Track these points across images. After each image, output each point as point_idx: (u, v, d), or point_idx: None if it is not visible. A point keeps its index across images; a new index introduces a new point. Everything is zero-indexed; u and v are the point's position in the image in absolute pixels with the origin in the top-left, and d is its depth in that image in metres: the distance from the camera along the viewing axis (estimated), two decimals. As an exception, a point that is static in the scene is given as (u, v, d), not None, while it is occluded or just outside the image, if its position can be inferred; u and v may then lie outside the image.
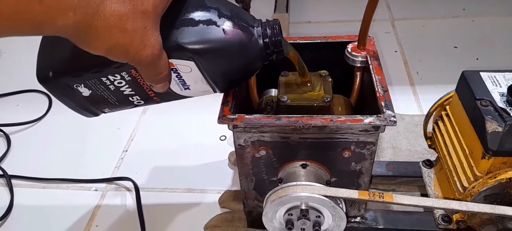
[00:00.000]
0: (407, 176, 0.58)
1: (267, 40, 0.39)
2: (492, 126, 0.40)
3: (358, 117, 0.40)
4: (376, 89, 0.44)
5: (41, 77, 0.38)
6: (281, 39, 0.39)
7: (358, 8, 1.04)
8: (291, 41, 0.53)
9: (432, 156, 0.61)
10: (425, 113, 0.73)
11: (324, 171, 0.46)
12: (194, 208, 0.61)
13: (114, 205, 0.63)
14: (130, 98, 0.41)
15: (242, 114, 0.42)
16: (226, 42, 0.37)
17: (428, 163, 0.57)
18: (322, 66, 0.52)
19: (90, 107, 0.42)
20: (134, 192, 0.63)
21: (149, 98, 0.42)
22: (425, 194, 0.56)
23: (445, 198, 0.51)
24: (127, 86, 0.39)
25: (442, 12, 1.01)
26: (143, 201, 0.62)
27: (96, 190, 0.65)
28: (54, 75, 0.38)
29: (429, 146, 0.57)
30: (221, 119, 0.42)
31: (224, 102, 0.44)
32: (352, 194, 0.41)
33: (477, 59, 0.84)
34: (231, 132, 0.43)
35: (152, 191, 0.64)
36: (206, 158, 0.68)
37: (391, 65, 0.85)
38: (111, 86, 0.39)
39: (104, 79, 0.38)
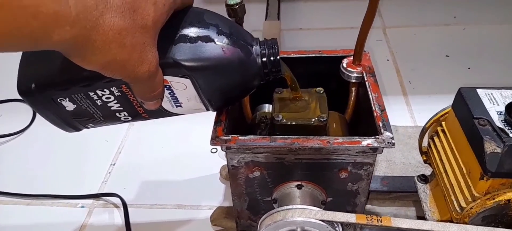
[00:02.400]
0: (402, 191, 0.58)
1: (266, 59, 0.38)
2: (491, 147, 0.40)
3: (356, 138, 0.39)
4: (373, 108, 0.43)
5: (23, 89, 0.36)
6: (280, 60, 0.38)
7: (349, 15, 1.04)
8: (285, 55, 0.52)
9: (427, 170, 0.61)
10: (419, 124, 0.73)
11: (320, 191, 0.45)
12: (185, 225, 0.59)
13: (102, 223, 0.60)
14: (117, 114, 0.39)
15: (236, 135, 0.40)
16: (225, 61, 0.35)
17: (423, 178, 0.56)
18: (316, 80, 0.51)
19: (73, 122, 0.40)
20: (122, 209, 0.61)
21: (138, 115, 0.40)
22: (420, 210, 0.55)
23: (441, 216, 0.51)
24: (115, 102, 0.38)
25: (433, 19, 1.01)
26: (132, 218, 0.60)
27: (82, 207, 0.63)
28: (37, 88, 0.36)
29: (425, 161, 0.56)
30: (214, 140, 0.40)
31: (217, 122, 0.42)
32: (350, 218, 0.39)
33: (468, 68, 0.84)
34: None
35: (141, 208, 0.62)
36: (197, 172, 0.67)
37: (383, 75, 0.84)
38: (98, 102, 0.37)
39: (91, 93, 0.36)
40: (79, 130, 0.42)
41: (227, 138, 0.40)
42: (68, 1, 0.25)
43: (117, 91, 0.36)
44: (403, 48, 0.92)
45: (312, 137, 0.39)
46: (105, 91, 0.36)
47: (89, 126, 0.42)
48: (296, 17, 1.06)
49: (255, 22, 0.98)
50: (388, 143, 0.38)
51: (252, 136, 0.40)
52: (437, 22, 1.00)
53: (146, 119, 0.41)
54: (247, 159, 0.42)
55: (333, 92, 0.50)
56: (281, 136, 0.40)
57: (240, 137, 0.40)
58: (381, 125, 0.40)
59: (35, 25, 0.24)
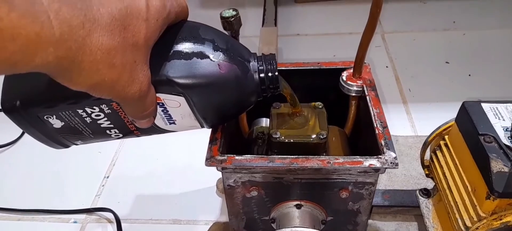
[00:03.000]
0: (403, 206, 0.56)
1: (263, 75, 0.36)
2: (497, 166, 0.38)
3: (357, 158, 0.37)
4: (375, 126, 0.41)
5: (7, 107, 0.34)
6: (278, 75, 0.37)
7: (347, 20, 1.02)
8: (282, 68, 0.50)
9: (428, 182, 0.59)
10: (419, 134, 0.72)
11: (320, 210, 0.43)
12: (180, 242, 0.57)
13: (95, 239, 0.59)
14: (108, 131, 0.38)
15: (232, 155, 0.38)
16: (221, 78, 0.34)
17: (425, 192, 0.54)
18: (315, 93, 0.50)
19: (61, 139, 0.38)
20: (116, 225, 0.59)
21: (130, 132, 0.38)
22: (423, 225, 0.54)
23: (445, 233, 0.49)
24: (105, 119, 0.36)
25: (433, 24, 1.00)
26: (125, 234, 0.58)
27: (75, 222, 0.61)
28: (22, 105, 0.34)
29: (427, 175, 0.55)
30: (209, 160, 0.38)
31: (212, 140, 0.40)
32: (351, 241, 0.38)
33: (469, 75, 0.82)
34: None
35: (136, 223, 0.60)
36: (193, 184, 0.65)
37: (383, 82, 0.83)
38: (88, 119, 0.36)
39: (80, 111, 0.35)
40: (67, 146, 0.41)
41: (223, 158, 0.38)
42: (51, 20, 0.23)
43: (107, 109, 0.35)
44: (402, 54, 0.91)
45: (311, 156, 0.38)
46: (94, 109, 0.35)
47: (78, 143, 0.40)
48: (293, 22, 1.04)
49: (252, 28, 0.97)
50: (391, 163, 0.37)
51: (249, 155, 0.38)
52: (436, 27, 0.99)
53: (138, 136, 0.40)
54: (244, 178, 0.40)
55: (332, 104, 0.48)
56: (279, 156, 0.38)
57: (236, 157, 0.38)
58: (383, 143, 0.39)
59: (13, 49, 0.22)
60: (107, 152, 0.72)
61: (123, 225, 0.59)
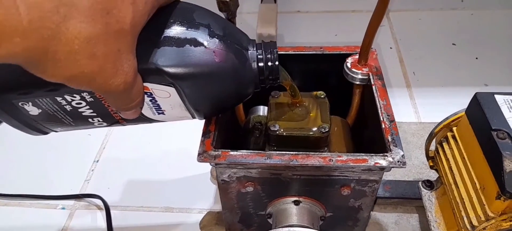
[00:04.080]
0: (405, 198, 0.54)
1: (262, 65, 0.33)
2: (511, 165, 0.35)
3: (362, 156, 0.34)
4: (381, 119, 0.38)
5: None
6: (279, 66, 0.34)
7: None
8: (282, 52, 0.46)
9: (431, 173, 0.57)
10: (423, 120, 0.69)
11: (319, 206, 0.41)
12: (173, 230, 0.55)
13: (84, 227, 0.56)
14: (90, 119, 0.35)
15: (226, 151, 0.36)
16: (216, 68, 0.30)
17: (429, 184, 0.52)
18: (316, 79, 0.46)
19: (38, 126, 0.35)
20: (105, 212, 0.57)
21: (114, 121, 0.35)
22: (424, 217, 0.52)
23: (448, 228, 0.47)
24: (87, 107, 0.33)
25: (440, 3, 0.95)
26: (116, 222, 0.56)
27: (63, 208, 0.59)
28: None
29: (431, 167, 0.52)
30: (202, 155, 0.36)
31: (205, 133, 0.37)
32: (352, 243, 0.36)
33: (476, 58, 0.79)
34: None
35: (127, 210, 0.58)
36: (186, 171, 0.62)
37: (386, 64, 0.79)
38: (68, 107, 0.32)
39: (59, 99, 0.31)
40: (45, 133, 0.37)
41: (217, 153, 0.35)
42: (18, 6, 0.20)
43: (89, 97, 0.31)
44: (407, 35, 0.87)
45: (312, 153, 0.35)
46: (75, 97, 0.31)
47: (58, 130, 0.37)
48: (294, -2, 0.99)
49: (251, 5, 0.92)
50: (398, 162, 0.34)
51: (244, 151, 0.35)
52: (443, 7, 0.94)
53: (123, 125, 0.36)
54: (239, 173, 0.38)
55: (334, 91, 0.45)
56: (277, 152, 0.35)
57: (231, 152, 0.35)
58: (390, 139, 0.36)
59: None
60: (97, 134, 0.69)
61: (113, 212, 0.57)
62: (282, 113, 0.40)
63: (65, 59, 0.23)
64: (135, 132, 0.69)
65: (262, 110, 0.48)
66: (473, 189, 0.41)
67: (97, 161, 0.65)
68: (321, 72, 0.47)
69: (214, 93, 0.33)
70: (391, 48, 0.83)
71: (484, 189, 0.39)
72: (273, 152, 0.35)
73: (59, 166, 0.65)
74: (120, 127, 0.38)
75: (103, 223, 0.56)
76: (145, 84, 0.30)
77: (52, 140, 0.68)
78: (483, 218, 0.39)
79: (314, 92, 0.42)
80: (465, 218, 0.42)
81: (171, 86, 0.30)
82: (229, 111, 0.46)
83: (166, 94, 0.31)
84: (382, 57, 0.81)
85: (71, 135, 0.68)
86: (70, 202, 0.59)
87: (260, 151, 0.35)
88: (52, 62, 0.23)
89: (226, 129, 0.44)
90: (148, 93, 0.31)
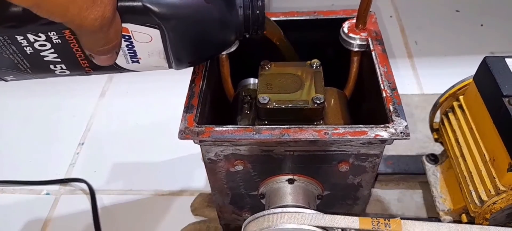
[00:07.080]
0: (408, 173, 0.51)
1: (249, 12, 0.32)
2: (526, 134, 0.32)
3: (361, 128, 0.31)
4: (382, 87, 0.34)
5: None
6: (264, 13, 0.33)
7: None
8: (273, 18, 0.42)
9: (435, 146, 0.54)
10: (426, 92, 0.65)
11: (315, 185, 0.38)
12: (163, 215, 0.52)
13: (70, 212, 0.54)
14: (52, 66, 0.30)
15: (211, 126, 0.32)
16: (205, 9, 0.29)
17: (433, 158, 0.49)
18: (310, 48, 0.42)
19: None
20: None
21: (80, 68, 0.31)
22: (428, 193, 0.49)
23: (454, 204, 0.44)
24: (52, 51, 0.29)
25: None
26: (103, 206, 0.53)
27: (48, 194, 0.56)
28: None
29: (436, 140, 0.49)
30: (183, 132, 0.32)
31: (187, 107, 0.34)
32: (352, 223, 0.32)
33: (481, 25, 0.75)
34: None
35: (113, 194, 0.55)
36: (176, 151, 0.59)
37: (386, 34, 0.75)
38: (28, 49, 0.28)
39: (19, 38, 0.27)
40: None
41: (200, 129, 0.32)
42: None
43: (56, 38, 0.27)
44: (408, 2, 0.82)
45: (305, 126, 0.31)
46: (39, 37, 0.27)
47: (8, 79, 0.32)
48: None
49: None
50: (401, 133, 0.31)
51: (230, 126, 0.32)
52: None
53: (89, 73, 0.32)
54: (227, 151, 0.34)
55: (330, 61, 0.41)
56: (266, 126, 0.32)
57: (216, 128, 0.32)
58: (391, 109, 0.32)
59: None
60: (82, 115, 0.66)
61: (100, 196, 0.54)
62: (273, 85, 0.37)
63: None
64: (121, 112, 0.66)
65: (253, 82, 0.44)
66: (482, 162, 0.38)
67: (82, 144, 0.62)
68: (316, 40, 0.43)
69: (198, 37, 0.31)
70: (391, 16, 0.79)
71: (494, 161, 0.36)
72: (262, 126, 0.32)
73: (42, 149, 0.62)
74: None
75: (89, 208, 0.53)
76: (125, 25, 0.27)
77: (36, 121, 0.65)
78: (493, 192, 0.36)
79: (308, 62, 0.38)
80: (473, 193, 0.39)
81: (155, 28, 0.28)
82: (216, 84, 0.42)
83: (147, 38, 0.29)
84: (382, 26, 0.76)
85: (55, 116, 0.65)
86: (55, 187, 0.57)
87: (248, 126, 0.32)
88: None
89: (214, 106, 0.40)
90: (127, 37, 0.28)
